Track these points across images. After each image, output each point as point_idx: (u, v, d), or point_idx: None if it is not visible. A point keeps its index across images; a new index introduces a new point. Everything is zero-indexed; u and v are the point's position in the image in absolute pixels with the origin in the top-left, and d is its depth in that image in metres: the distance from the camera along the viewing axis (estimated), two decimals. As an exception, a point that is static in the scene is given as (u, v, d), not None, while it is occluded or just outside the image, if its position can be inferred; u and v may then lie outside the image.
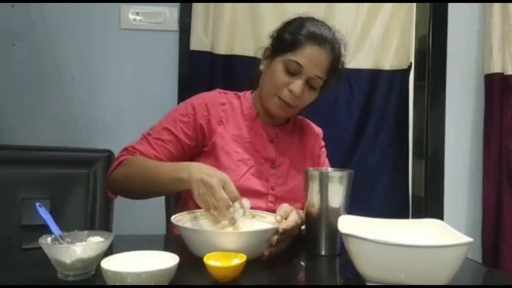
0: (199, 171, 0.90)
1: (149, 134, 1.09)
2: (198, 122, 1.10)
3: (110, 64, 1.80)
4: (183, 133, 1.09)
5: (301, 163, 1.17)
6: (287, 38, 1.08)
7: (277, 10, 1.74)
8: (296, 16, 1.14)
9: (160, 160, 1.06)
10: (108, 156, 1.23)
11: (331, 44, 1.08)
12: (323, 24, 1.11)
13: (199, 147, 1.12)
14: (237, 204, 0.88)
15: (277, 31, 1.13)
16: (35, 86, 1.76)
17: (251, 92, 1.21)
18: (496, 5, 1.88)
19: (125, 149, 1.08)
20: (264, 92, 1.12)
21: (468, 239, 0.69)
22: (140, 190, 1.03)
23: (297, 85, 1.06)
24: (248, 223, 0.92)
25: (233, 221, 0.88)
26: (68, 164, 1.21)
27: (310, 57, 1.05)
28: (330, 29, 1.11)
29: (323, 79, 1.09)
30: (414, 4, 1.96)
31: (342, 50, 1.13)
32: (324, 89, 1.14)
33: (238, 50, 1.79)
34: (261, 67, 1.15)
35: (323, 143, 1.29)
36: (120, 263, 0.68)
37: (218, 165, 1.06)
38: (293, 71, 1.06)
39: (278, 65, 1.08)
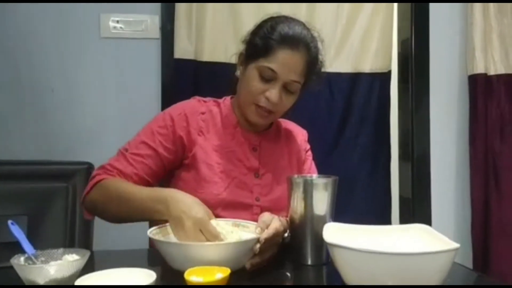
0: (177, 206, 0.86)
1: (126, 150, 1.04)
2: (177, 134, 1.06)
3: (90, 74, 1.76)
4: (162, 146, 1.04)
5: (286, 170, 1.14)
6: (259, 43, 1.03)
7: (259, 17, 1.73)
8: (268, 16, 1.09)
9: (139, 176, 1.02)
10: (87, 168, 1.19)
11: (305, 45, 1.03)
12: (296, 23, 1.05)
13: (178, 160, 1.07)
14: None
15: (249, 35, 1.09)
16: (13, 98, 1.72)
17: (231, 98, 1.18)
18: (477, 6, 1.89)
19: (102, 167, 1.03)
20: (242, 100, 1.09)
21: (455, 245, 0.67)
22: (115, 216, 1.00)
23: (273, 92, 1.02)
24: (229, 233, 0.90)
25: None
26: (45, 178, 1.17)
27: (283, 62, 1.00)
28: (304, 26, 1.05)
29: (300, 82, 1.05)
30: (395, 7, 1.98)
31: (320, 48, 1.08)
32: (304, 90, 1.10)
33: (221, 57, 1.77)
34: (237, 73, 1.11)
35: (308, 146, 1.26)
36: (97, 282, 0.65)
37: (199, 178, 1.02)
38: (268, 78, 1.02)
39: (252, 72, 1.03)
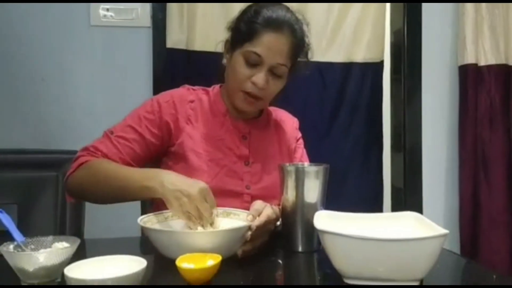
0: (172, 181, 0.86)
1: (112, 133, 1.04)
2: (163, 119, 1.05)
3: (80, 63, 1.74)
4: (148, 131, 1.04)
5: (276, 158, 1.13)
6: (243, 28, 1.03)
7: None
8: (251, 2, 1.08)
9: (124, 160, 1.01)
10: (77, 157, 1.19)
11: (290, 27, 1.02)
12: (280, 7, 1.05)
13: (165, 146, 1.07)
14: (215, 210, 0.88)
15: (234, 22, 1.08)
16: (3, 87, 1.70)
17: (220, 86, 1.17)
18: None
19: (86, 149, 1.02)
20: (229, 87, 1.09)
21: (444, 231, 0.68)
22: (103, 196, 0.98)
23: (259, 77, 1.02)
24: (221, 221, 0.90)
25: (212, 225, 0.88)
26: (35, 167, 1.16)
27: (268, 45, 1.00)
28: (288, 10, 1.05)
29: (287, 66, 1.05)
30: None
31: (305, 30, 1.07)
32: (292, 75, 1.09)
33: (213, 47, 1.75)
34: (224, 61, 1.11)
35: (299, 135, 1.25)
36: (86, 270, 0.65)
37: (188, 167, 1.02)
38: (253, 62, 1.02)
39: (238, 58, 1.03)
